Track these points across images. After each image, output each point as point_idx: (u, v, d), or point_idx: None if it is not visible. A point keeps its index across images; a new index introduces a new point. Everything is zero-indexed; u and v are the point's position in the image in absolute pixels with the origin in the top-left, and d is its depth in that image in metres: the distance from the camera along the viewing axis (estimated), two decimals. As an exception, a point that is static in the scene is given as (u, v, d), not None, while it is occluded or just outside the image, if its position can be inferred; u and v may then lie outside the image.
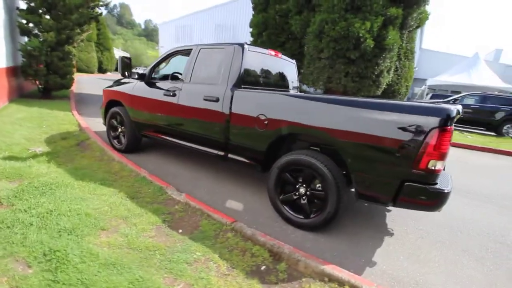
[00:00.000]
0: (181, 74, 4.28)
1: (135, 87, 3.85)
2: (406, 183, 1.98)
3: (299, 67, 5.39)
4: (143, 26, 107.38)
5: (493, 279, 2.10)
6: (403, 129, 1.92)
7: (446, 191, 1.94)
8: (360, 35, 7.95)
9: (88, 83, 15.98)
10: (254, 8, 11.37)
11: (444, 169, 2.34)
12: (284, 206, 2.59)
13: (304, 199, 2.50)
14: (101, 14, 8.98)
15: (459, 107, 2.04)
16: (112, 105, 4.35)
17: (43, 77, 7.71)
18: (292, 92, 3.82)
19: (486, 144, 7.62)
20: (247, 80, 3.04)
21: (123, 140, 4.25)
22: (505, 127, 8.97)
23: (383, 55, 8.62)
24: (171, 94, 3.37)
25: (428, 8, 9.81)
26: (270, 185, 2.65)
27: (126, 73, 3.61)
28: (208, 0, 22.14)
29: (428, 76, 19.31)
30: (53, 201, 2.40)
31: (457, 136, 8.70)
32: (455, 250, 2.45)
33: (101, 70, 30.87)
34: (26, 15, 7.25)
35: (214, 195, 3.08)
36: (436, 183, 1.96)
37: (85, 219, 2.19)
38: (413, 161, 1.91)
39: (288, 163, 2.48)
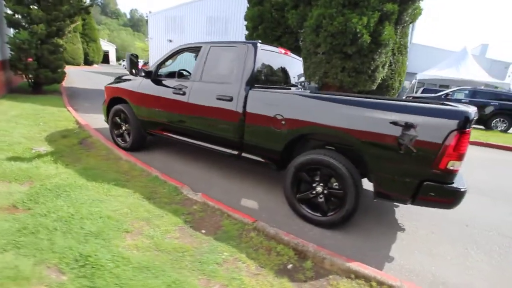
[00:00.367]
0: (187, 71, 4.24)
1: (141, 84, 3.78)
2: (425, 183, 2.06)
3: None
4: (128, 16, 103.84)
5: (501, 270, 2.24)
6: (424, 130, 1.99)
7: (462, 190, 2.04)
8: (357, 30, 8.00)
9: (76, 76, 15.48)
10: (249, 1, 11.22)
11: None
12: (301, 205, 2.65)
13: (321, 198, 2.56)
14: (92, 5, 8.65)
15: (475, 109, 2.12)
16: (115, 102, 4.25)
17: (33, 71, 7.41)
18: (305, 91, 3.84)
19: (477, 137, 7.93)
20: (259, 79, 3.04)
21: (127, 138, 4.19)
22: (493, 121, 9.33)
23: (379, 51, 8.72)
24: (181, 92, 3.33)
25: (421, 3, 9.95)
26: (287, 184, 2.70)
27: (133, 71, 3.53)
28: (199, -10, 21.53)
29: (417, 70, 19.71)
30: (72, 204, 2.36)
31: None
32: (464, 243, 2.58)
33: (87, 62, 29.86)
34: (13, 6, 6.91)
35: (227, 194, 3.11)
36: (453, 182, 2.06)
37: (108, 222, 2.18)
38: (433, 162, 2.00)
39: (306, 162, 2.53)
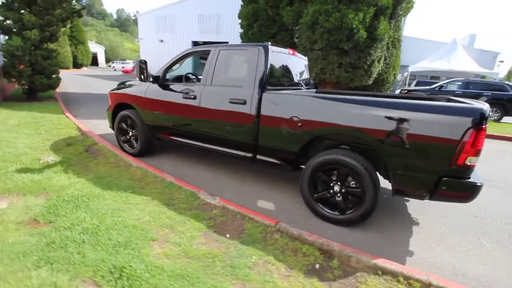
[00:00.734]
0: (194, 75, 4.23)
1: (148, 89, 3.75)
2: (444, 178, 2.13)
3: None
4: (115, 16, 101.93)
5: (515, 258, 2.34)
6: (443, 128, 2.05)
7: (478, 184, 2.12)
8: (354, 26, 8.06)
9: (68, 81, 15.16)
10: (243, -1, 11.14)
11: None
12: (319, 204, 2.70)
13: (339, 196, 2.61)
14: (84, 7, 8.48)
15: (488, 106, 2.18)
16: (120, 108, 4.22)
17: (28, 78, 7.25)
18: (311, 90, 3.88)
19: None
20: (271, 81, 3.06)
21: (135, 144, 4.17)
22: (486, 111, 9.52)
23: (375, 45, 8.82)
24: (192, 96, 3.33)
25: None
26: (304, 185, 2.74)
27: (142, 76, 3.51)
28: (189, -11, 21.24)
29: (409, 63, 19.93)
30: (94, 215, 2.36)
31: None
32: (476, 234, 2.68)
33: (76, 65, 29.30)
34: (4, 12, 6.72)
35: (242, 196, 3.14)
36: (470, 177, 2.13)
37: (134, 232, 2.19)
38: (452, 158, 2.06)
39: (324, 162, 2.57)
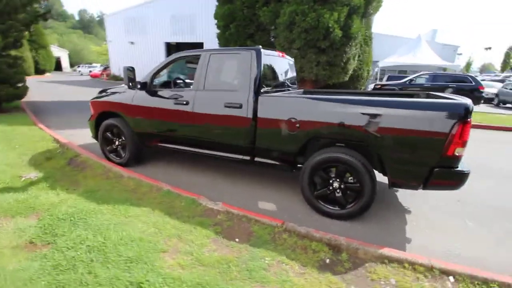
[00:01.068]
0: (182, 79, 4.16)
1: (135, 96, 3.63)
2: (435, 169, 2.31)
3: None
4: (77, 17, 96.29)
5: (497, 237, 2.59)
6: (433, 123, 2.22)
7: (466, 172, 2.32)
8: (330, 25, 8.33)
9: (33, 88, 14.08)
10: (218, -1, 11.05)
11: None
12: (320, 201, 2.80)
13: (338, 192, 2.73)
14: (49, 11, 7.96)
15: (471, 101, 2.38)
16: (104, 117, 4.04)
17: (-10, 88, 6.68)
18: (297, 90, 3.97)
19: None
20: (265, 83, 3.10)
21: (122, 153, 4.02)
22: (452, 102, 10.28)
23: (350, 44, 9.17)
24: (184, 102, 3.28)
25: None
26: (304, 183, 2.82)
27: (131, 84, 3.38)
28: (159, -11, 20.59)
29: (378, 58, 20.94)
30: (96, 232, 2.26)
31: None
32: (461, 217, 2.92)
33: (38, 71, 27.33)
34: (-41, 17, 6.13)
35: (241, 199, 3.16)
36: (458, 167, 2.33)
37: (142, 245, 2.13)
38: (442, 150, 2.24)
39: (323, 161, 2.67)
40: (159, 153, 4.61)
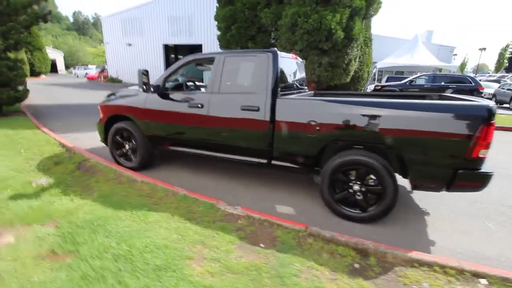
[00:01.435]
0: (194, 82, 4.12)
1: (147, 100, 3.58)
2: (459, 171, 2.30)
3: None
4: (71, 19, 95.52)
5: (518, 237, 2.59)
6: (458, 125, 2.22)
7: (490, 173, 2.32)
8: (332, 27, 8.35)
9: (31, 91, 13.89)
10: (218, 1, 11.03)
11: None
12: (340, 204, 2.78)
13: (359, 195, 2.71)
14: (50, 12, 7.85)
15: (494, 103, 2.39)
16: (113, 120, 3.98)
17: (-9, 91, 6.55)
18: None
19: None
20: (282, 86, 3.08)
21: (132, 157, 3.96)
22: (452, 102, 10.39)
23: (352, 45, 9.21)
24: (199, 105, 3.24)
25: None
26: (324, 187, 2.80)
27: (145, 87, 3.33)
28: (156, -10, 20.49)
29: (376, 59, 21.11)
30: (119, 239, 2.21)
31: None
32: (481, 219, 2.92)
33: (34, 73, 26.96)
34: (-41, 19, 6.01)
35: (257, 203, 3.12)
36: (482, 168, 2.33)
37: (168, 252, 2.09)
38: (466, 152, 2.24)
39: (344, 163, 2.65)
40: (168, 156, 4.56)
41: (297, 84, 3.85)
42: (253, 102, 2.96)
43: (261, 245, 2.31)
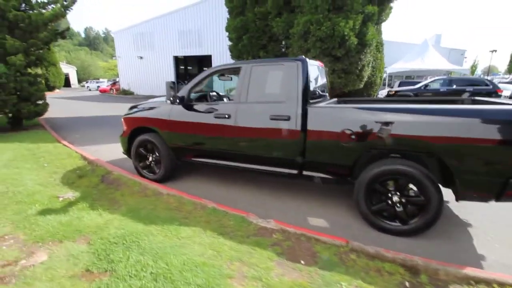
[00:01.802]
0: (216, 92, 4.10)
1: (172, 111, 3.56)
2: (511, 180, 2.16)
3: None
4: (83, 35, 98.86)
5: None
6: (506, 131, 2.09)
7: (544, 181, 2.16)
8: (345, 33, 8.32)
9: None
10: (229, 12, 11.19)
11: None
12: (378, 217, 2.65)
13: (398, 207, 2.57)
14: (69, 28, 8.07)
15: None
16: (137, 133, 3.97)
17: (13, 106, 6.70)
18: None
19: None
20: (311, 94, 3.01)
21: (156, 169, 3.93)
22: (471, 106, 10.13)
23: (365, 51, 9.14)
24: (226, 116, 3.19)
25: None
26: (360, 198, 2.67)
27: (172, 98, 3.32)
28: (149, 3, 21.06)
29: (386, 64, 20.99)
30: (155, 256, 2.13)
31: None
32: (528, 230, 2.74)
33: (49, 87, 27.80)
34: (-17, 38, 6.22)
35: (287, 215, 3.02)
36: (535, 176, 2.17)
37: (207, 270, 1.99)
38: (519, 159, 2.10)
39: (382, 173, 2.53)
40: (189, 167, 4.51)
41: (319, 91, 3.77)
42: (283, 111, 2.89)
43: (302, 261, 2.19)
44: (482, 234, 2.67)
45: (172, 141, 3.64)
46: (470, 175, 2.28)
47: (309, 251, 2.32)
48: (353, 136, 2.60)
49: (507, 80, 22.78)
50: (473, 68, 30.89)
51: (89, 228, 2.61)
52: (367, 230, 2.72)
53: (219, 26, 18.07)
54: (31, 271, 2.01)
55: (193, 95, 3.70)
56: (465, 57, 25.11)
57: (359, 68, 9.51)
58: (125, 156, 4.57)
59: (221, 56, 19.09)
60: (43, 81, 7.16)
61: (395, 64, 19.74)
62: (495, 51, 27.11)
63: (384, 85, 19.35)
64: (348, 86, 9.81)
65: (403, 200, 2.55)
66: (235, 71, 3.32)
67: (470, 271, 1.98)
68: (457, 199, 2.46)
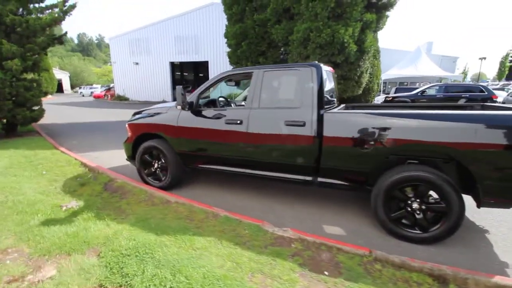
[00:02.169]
0: (224, 98, 4.03)
1: (180, 117, 3.47)
2: (537, 185, 2.13)
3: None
4: (76, 41, 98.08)
5: None
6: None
7: None
8: (345, 40, 8.40)
9: (40, 111, 13.96)
10: (229, 19, 11.23)
11: None
12: (397, 224, 2.59)
13: (418, 214, 2.52)
14: (66, 33, 7.94)
15: None
16: (142, 139, 3.86)
17: (8, 112, 6.49)
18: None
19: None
20: (326, 99, 2.97)
21: (161, 176, 3.81)
22: (467, 112, 10.30)
23: (363, 58, 9.25)
24: (238, 121, 3.12)
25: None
26: (378, 205, 2.61)
27: (183, 104, 3.23)
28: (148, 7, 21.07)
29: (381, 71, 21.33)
30: (172, 269, 2.02)
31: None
32: (545, 235, 2.71)
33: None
34: (-21, 42, 6.05)
35: (302, 222, 2.95)
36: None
37: (229, 284, 1.89)
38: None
39: (402, 180, 2.48)
40: (195, 174, 4.40)
41: (329, 97, 3.74)
42: (298, 117, 2.83)
43: (326, 272, 2.11)
44: (501, 240, 2.64)
45: (180, 147, 3.54)
46: (493, 181, 2.25)
47: (332, 261, 2.24)
48: (371, 142, 2.56)
49: (497, 87, 23.42)
50: (464, 74, 31.71)
51: (97, 239, 2.48)
52: (385, 237, 2.66)
53: (216, 33, 18.15)
54: (39, 287, 1.88)
55: (200, 101, 3.61)
56: (457, 67, 25.78)
57: (357, 74, 9.60)
58: (127, 163, 4.46)
59: (218, 62, 19.12)
60: (43, 87, 6.95)
61: (389, 70, 20.09)
62: (485, 58, 27.91)
63: (380, 91, 19.66)
64: (347, 92, 9.88)
65: (423, 207, 2.50)
66: (247, 76, 3.26)
67: (499, 279, 1.93)
68: (478, 206, 2.42)
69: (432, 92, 11.22)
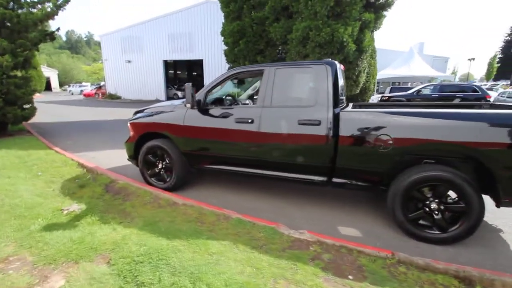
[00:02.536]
0: (232, 97, 3.92)
1: (187, 116, 3.34)
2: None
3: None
4: (64, 38, 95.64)
5: None
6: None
7: None
8: (344, 39, 8.39)
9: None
10: (226, 17, 11.08)
11: None
12: (416, 225, 2.55)
13: (437, 214, 2.48)
14: (58, 29, 7.66)
15: None
16: (145, 139, 3.71)
17: (-3, 110, 6.20)
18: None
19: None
20: (340, 98, 2.90)
21: (166, 177, 3.68)
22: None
23: (362, 57, 9.27)
24: (249, 120, 3.02)
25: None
26: (396, 206, 2.56)
27: (192, 102, 3.10)
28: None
29: (374, 70, 21.54)
30: (191, 276, 1.91)
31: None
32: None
33: (28, 91, 26.46)
34: (-33, 36, 5.74)
35: (316, 224, 2.88)
36: None
37: (253, 292, 1.79)
38: None
39: (420, 180, 2.44)
40: (200, 174, 4.27)
41: (340, 95, 3.68)
42: (313, 115, 2.75)
43: (350, 277, 2.03)
44: (517, 240, 2.63)
45: (186, 147, 3.41)
46: (514, 181, 2.22)
47: (354, 264, 2.17)
48: (390, 142, 2.50)
49: (486, 87, 24.00)
50: (454, 74, 32.38)
51: (105, 245, 2.34)
52: (401, 238, 2.61)
53: (212, 30, 17.94)
54: (48, 299, 1.74)
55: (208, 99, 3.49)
56: (448, 67, 26.29)
57: (356, 73, 9.62)
58: (127, 163, 4.32)
59: (213, 61, 18.91)
60: (31, 84, 6.66)
61: (383, 70, 20.31)
62: (473, 59, 28.57)
63: (375, 91, 19.86)
64: (345, 91, 9.88)
65: (442, 207, 2.46)
66: (258, 73, 3.16)
67: (528, 281, 1.89)
68: (497, 205, 2.40)
69: (427, 91, 11.36)
